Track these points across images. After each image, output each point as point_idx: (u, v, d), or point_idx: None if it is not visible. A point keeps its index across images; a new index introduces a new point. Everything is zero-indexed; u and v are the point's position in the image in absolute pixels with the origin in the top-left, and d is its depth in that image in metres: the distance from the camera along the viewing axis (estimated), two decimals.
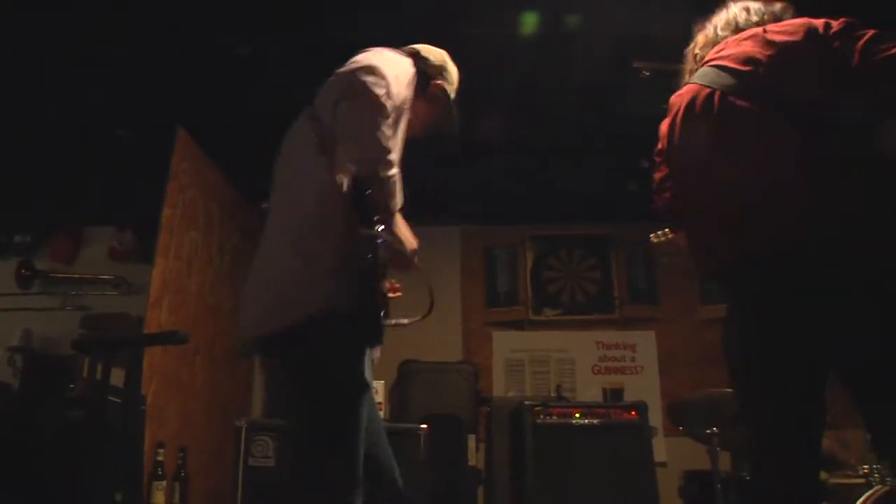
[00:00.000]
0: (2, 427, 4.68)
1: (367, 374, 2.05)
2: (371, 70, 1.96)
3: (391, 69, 2.02)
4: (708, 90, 1.91)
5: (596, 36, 3.93)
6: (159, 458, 4.00)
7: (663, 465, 4.95)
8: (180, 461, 4.24)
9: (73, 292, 6.23)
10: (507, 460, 4.55)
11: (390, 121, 1.95)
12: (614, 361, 5.96)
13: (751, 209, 1.76)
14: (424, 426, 4.09)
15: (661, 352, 5.97)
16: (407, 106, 2.12)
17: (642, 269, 6.27)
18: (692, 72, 2.07)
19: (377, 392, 4.50)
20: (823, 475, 3.65)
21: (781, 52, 1.82)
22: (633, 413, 4.19)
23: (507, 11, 3.83)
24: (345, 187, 1.98)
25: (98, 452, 3.64)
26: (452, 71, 2.49)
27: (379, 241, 1.92)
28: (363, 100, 1.93)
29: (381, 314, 1.97)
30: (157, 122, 4.63)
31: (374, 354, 2.18)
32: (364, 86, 1.93)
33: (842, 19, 1.79)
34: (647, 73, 4.19)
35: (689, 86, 2.01)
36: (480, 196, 5.85)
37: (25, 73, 4.25)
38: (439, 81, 2.42)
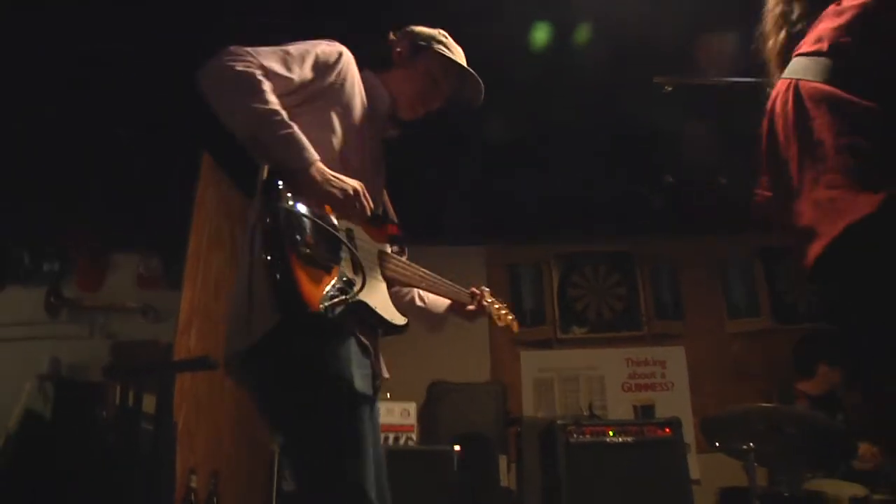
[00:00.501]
0: (35, 455, 4.71)
1: (363, 384, 1.77)
2: (224, 52, 1.79)
3: (271, 50, 1.86)
4: (788, 82, 1.79)
5: (620, 51, 3.92)
6: (192, 485, 4.00)
7: (697, 482, 4.88)
8: (212, 487, 4.23)
9: (101, 320, 6.28)
10: (539, 480, 4.50)
11: (264, 86, 1.74)
12: (644, 378, 5.91)
13: None
14: (457, 448, 4.06)
15: (690, 367, 5.92)
16: (347, 87, 1.99)
17: (668, 285, 6.24)
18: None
19: (409, 414, 4.51)
20: (864, 490, 3.58)
21: (850, 24, 1.67)
22: (667, 430, 4.14)
23: (527, 28, 3.83)
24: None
25: (131, 479, 3.65)
26: (434, 33, 2.26)
27: (293, 208, 1.69)
28: (218, 78, 1.77)
29: (297, 284, 1.61)
30: (180, 146, 4.68)
31: (382, 371, 1.99)
32: (217, 65, 1.77)
33: None
34: (670, 89, 4.17)
35: (777, 84, 1.88)
36: (503, 215, 5.85)
37: (54, 96, 4.31)
38: (402, 40, 2.23)
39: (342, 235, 1.78)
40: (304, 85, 1.90)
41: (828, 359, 4.30)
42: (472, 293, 2.39)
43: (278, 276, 1.60)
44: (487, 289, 2.46)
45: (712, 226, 5.93)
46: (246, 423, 4.93)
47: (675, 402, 5.64)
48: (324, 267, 1.70)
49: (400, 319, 1.93)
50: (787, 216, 1.81)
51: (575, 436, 4.11)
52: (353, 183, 1.83)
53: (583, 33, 3.83)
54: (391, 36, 2.26)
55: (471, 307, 2.38)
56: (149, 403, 3.61)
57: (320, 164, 1.77)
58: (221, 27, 3.77)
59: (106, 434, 4.13)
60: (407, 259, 2.15)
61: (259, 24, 3.68)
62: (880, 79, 1.60)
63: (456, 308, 2.39)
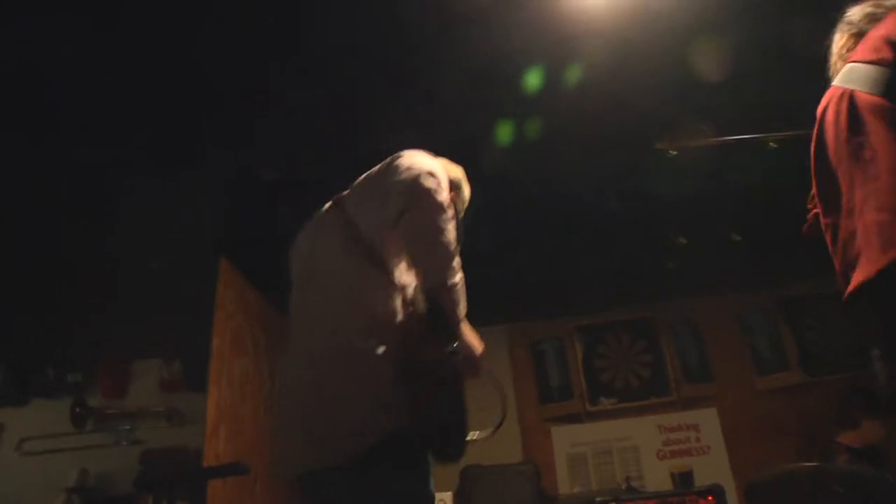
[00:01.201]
0: None
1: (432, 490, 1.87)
2: (432, 174, 1.88)
3: (441, 173, 1.95)
4: (841, 90, 1.73)
5: (618, 119, 3.98)
6: None
7: None
8: None
9: (127, 427, 6.26)
10: None
11: (452, 226, 1.86)
12: (679, 444, 5.79)
13: None
14: None
15: (724, 428, 5.81)
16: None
17: (692, 347, 6.18)
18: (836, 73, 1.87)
19: None
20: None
21: None
22: (710, 498, 4.05)
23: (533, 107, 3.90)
24: (403, 299, 1.90)
25: None
26: (466, 189, 2.38)
27: (452, 352, 1.83)
28: (428, 206, 1.84)
29: (464, 431, 1.83)
30: (195, 252, 4.76)
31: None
32: (428, 193, 1.84)
33: None
34: (674, 153, 4.22)
35: (829, 90, 1.83)
36: (521, 292, 5.85)
37: (64, 207, 4.40)
38: (453, 194, 2.26)
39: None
40: None
41: (872, 410, 4.21)
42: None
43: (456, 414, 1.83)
44: None
45: (732, 282, 5.92)
46: None
47: (714, 466, 5.52)
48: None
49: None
50: (834, 231, 1.73)
51: None
52: (481, 345, 2.01)
53: (583, 101, 3.90)
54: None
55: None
56: None
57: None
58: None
59: None
60: None
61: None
62: None
63: None
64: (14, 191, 4.20)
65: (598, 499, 4.12)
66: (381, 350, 1.80)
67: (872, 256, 1.54)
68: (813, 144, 1.82)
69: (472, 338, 1.97)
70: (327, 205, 2.20)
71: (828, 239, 1.80)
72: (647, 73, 3.67)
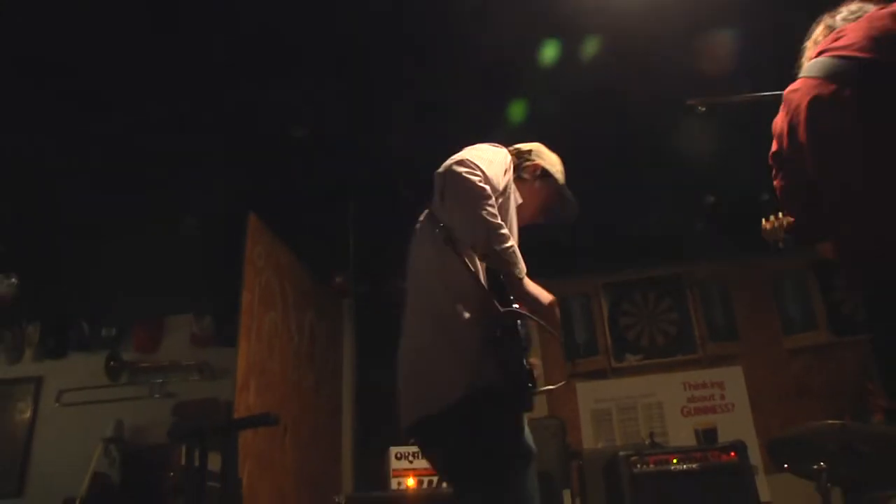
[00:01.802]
0: None
1: (529, 439, 2.06)
2: (461, 162, 2.12)
3: (484, 155, 2.20)
4: (814, 81, 1.83)
5: (652, 75, 3.94)
6: None
7: None
8: None
9: (160, 380, 6.41)
10: None
11: (492, 201, 2.07)
12: (703, 401, 5.81)
13: None
14: None
15: (750, 386, 5.81)
16: (511, 189, 2.28)
17: (719, 306, 6.15)
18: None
19: None
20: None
21: (878, 40, 1.75)
22: (732, 454, 4.05)
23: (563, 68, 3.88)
24: (474, 269, 2.12)
25: None
26: (549, 154, 2.59)
27: (517, 312, 2.01)
28: (460, 188, 2.09)
29: (531, 383, 1.98)
30: (226, 208, 4.82)
31: None
32: (458, 176, 2.09)
33: None
34: (703, 109, 4.16)
35: (805, 80, 1.92)
36: (548, 249, 5.85)
37: (99, 167, 4.47)
38: (536, 161, 2.53)
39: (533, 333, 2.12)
40: (503, 191, 2.20)
41: None
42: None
43: (511, 361, 1.97)
44: None
45: (762, 242, 5.85)
46: (308, 478, 4.98)
47: (738, 424, 5.53)
48: (523, 356, 2.01)
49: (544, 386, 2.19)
50: (812, 213, 1.90)
51: (639, 466, 4.05)
52: (550, 296, 2.14)
53: (608, 56, 3.86)
54: (523, 151, 2.56)
55: None
56: (213, 462, 3.66)
57: (530, 286, 2.09)
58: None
59: (173, 494, 4.21)
60: None
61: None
62: None
63: None
64: (50, 152, 4.28)
65: (621, 453, 4.15)
66: (466, 317, 2.05)
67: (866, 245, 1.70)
68: (786, 128, 1.98)
69: (539, 293, 2.13)
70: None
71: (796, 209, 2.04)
72: (679, 27, 3.63)
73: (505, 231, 2.05)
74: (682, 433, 5.64)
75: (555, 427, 5.31)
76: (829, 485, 3.41)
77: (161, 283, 5.96)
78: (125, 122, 4.05)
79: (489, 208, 2.04)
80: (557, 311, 2.17)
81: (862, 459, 3.32)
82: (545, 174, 2.54)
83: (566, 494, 4.92)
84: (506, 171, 2.25)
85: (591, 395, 5.94)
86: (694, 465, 4.04)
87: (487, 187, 2.08)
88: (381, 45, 3.67)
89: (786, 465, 3.74)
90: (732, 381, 5.85)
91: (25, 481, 6.18)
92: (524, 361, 1.99)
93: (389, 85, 3.95)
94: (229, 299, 4.68)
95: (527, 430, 2.09)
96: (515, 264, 2.06)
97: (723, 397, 5.81)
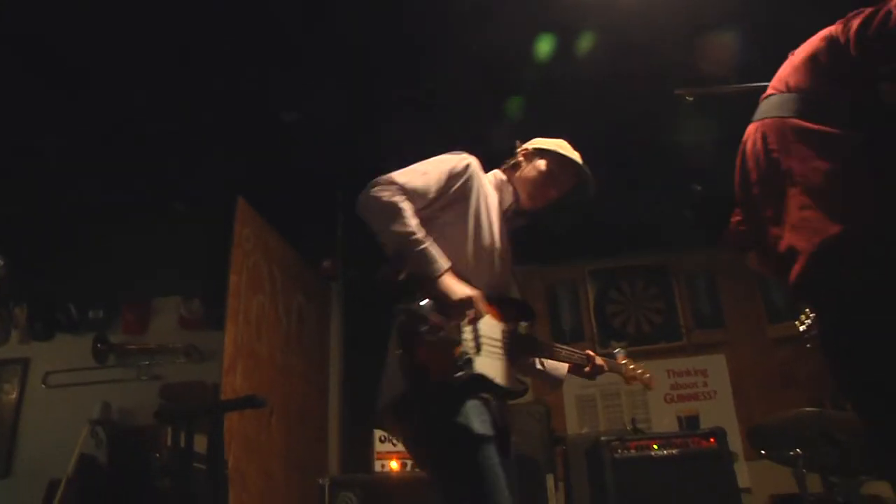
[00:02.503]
0: (92, 498, 4.84)
1: (483, 427, 2.10)
2: (374, 182, 2.28)
3: (417, 167, 2.36)
4: (757, 123, 1.96)
5: (639, 66, 3.96)
6: None
7: (748, 490, 4.83)
8: None
9: (147, 362, 6.42)
10: (587, 498, 4.49)
11: (404, 211, 2.20)
12: (686, 388, 5.87)
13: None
14: None
15: (732, 375, 5.88)
16: (471, 190, 2.38)
17: (705, 294, 6.21)
18: None
19: None
20: None
21: (803, 65, 1.86)
22: (712, 440, 4.11)
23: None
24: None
25: None
26: (549, 140, 2.66)
27: (420, 308, 2.14)
28: (369, 209, 2.25)
29: (425, 379, 2.11)
30: (214, 191, 4.83)
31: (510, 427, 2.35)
32: (367, 197, 2.25)
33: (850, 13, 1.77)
34: (691, 99, 4.18)
35: (749, 126, 2.05)
36: (537, 236, 5.87)
37: (87, 150, 4.47)
38: (528, 147, 2.63)
39: (465, 325, 2.19)
40: (441, 195, 2.32)
41: None
42: (587, 356, 2.80)
43: (407, 360, 2.12)
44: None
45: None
46: (295, 460, 5.01)
47: (720, 411, 5.60)
48: (444, 350, 2.12)
49: (517, 387, 2.35)
50: (764, 244, 1.96)
51: (620, 451, 4.10)
52: (470, 292, 2.18)
53: (596, 46, 3.89)
54: (518, 144, 2.68)
55: (587, 369, 2.81)
56: (199, 444, 3.70)
57: (447, 276, 2.17)
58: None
59: (160, 475, 4.23)
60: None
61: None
62: (833, 107, 1.76)
63: (573, 370, 2.83)
64: (39, 135, 4.28)
65: (603, 438, 4.20)
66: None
67: (803, 246, 1.74)
68: (737, 175, 2.07)
69: (450, 290, 2.19)
70: None
71: (755, 249, 2.09)
72: (668, 18, 3.66)
73: (416, 236, 2.18)
74: (665, 420, 5.71)
75: (539, 412, 5.36)
76: (804, 471, 3.49)
77: (149, 266, 5.96)
78: (114, 104, 4.05)
79: (399, 219, 2.19)
80: (473, 304, 2.19)
81: (838, 446, 3.39)
82: (539, 151, 2.61)
83: (550, 479, 4.97)
84: (454, 176, 2.36)
85: (575, 382, 5.91)
86: (674, 451, 4.09)
87: (399, 199, 2.22)
88: (376, 33, 3.68)
89: (763, 452, 3.82)
90: (715, 368, 5.91)
91: (12, 462, 6.19)
92: (416, 355, 2.11)
93: (384, 72, 3.96)
94: (217, 282, 4.69)
95: (489, 409, 2.16)
96: (429, 264, 2.17)
97: (706, 385, 5.87)
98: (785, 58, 2.00)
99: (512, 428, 2.39)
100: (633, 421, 4.98)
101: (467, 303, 2.18)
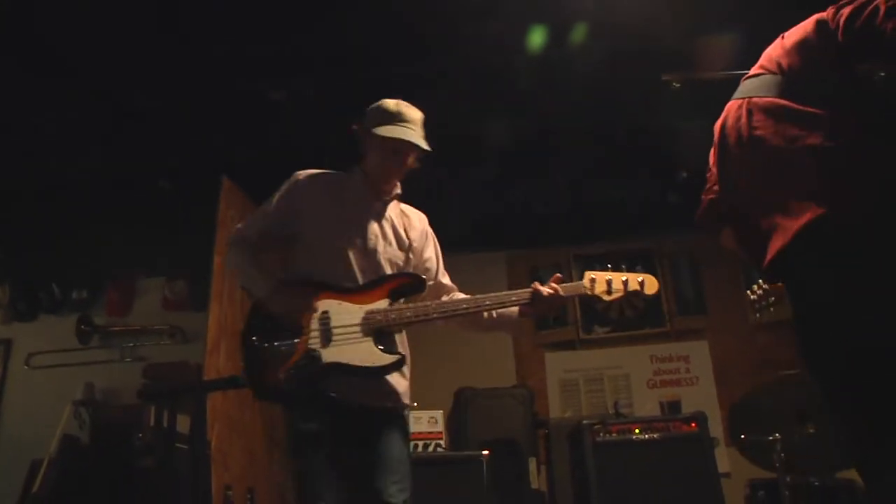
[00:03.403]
0: (75, 477, 4.83)
1: (313, 427, 2.34)
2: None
3: (250, 216, 2.74)
4: (739, 101, 1.97)
5: (628, 51, 3.96)
6: (230, 502, 4.07)
7: (727, 475, 4.87)
8: (249, 502, 4.31)
9: (131, 344, 6.39)
10: (569, 481, 4.53)
11: (233, 248, 2.64)
12: (669, 374, 5.92)
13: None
14: (485, 452, 4.10)
15: (715, 361, 5.92)
16: (301, 201, 2.59)
17: (689, 280, 6.25)
18: None
19: (436, 422, 4.57)
20: None
21: (795, 48, 1.87)
22: (693, 425, 4.15)
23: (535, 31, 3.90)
24: None
25: (168, 499, 3.73)
26: (382, 111, 2.58)
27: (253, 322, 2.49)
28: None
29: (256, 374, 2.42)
30: (198, 171, 4.79)
31: (382, 400, 2.47)
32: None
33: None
34: (678, 85, 4.18)
35: (728, 104, 2.06)
36: (522, 219, 5.89)
37: (69, 129, 4.42)
38: (362, 132, 2.62)
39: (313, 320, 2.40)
40: (279, 218, 2.59)
41: None
42: (531, 291, 2.63)
43: (245, 367, 2.43)
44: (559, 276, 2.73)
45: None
46: (278, 439, 5.02)
47: (702, 397, 5.64)
48: (282, 354, 2.37)
49: (382, 361, 2.38)
50: (741, 222, 2.00)
51: (602, 435, 4.14)
52: (293, 302, 2.42)
53: (583, 32, 3.88)
54: (354, 127, 2.66)
55: (533, 305, 2.63)
56: (182, 424, 3.70)
57: (270, 297, 2.43)
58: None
59: (142, 455, 4.23)
60: (432, 299, 2.60)
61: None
62: (823, 90, 1.78)
63: (526, 312, 2.69)
64: (22, 114, 4.22)
65: (585, 422, 4.23)
66: None
67: (783, 226, 1.76)
68: (714, 151, 2.11)
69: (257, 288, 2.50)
70: None
71: (732, 225, 2.10)
72: (657, 4, 3.65)
73: (237, 268, 2.61)
74: (647, 405, 5.74)
75: (522, 396, 5.40)
76: (783, 455, 3.53)
77: (133, 247, 5.92)
78: (96, 81, 4.00)
79: (230, 257, 2.64)
80: (276, 302, 2.44)
81: (815, 430, 3.44)
82: (367, 136, 2.58)
83: (532, 462, 5.02)
84: (280, 198, 2.61)
85: (559, 366, 6.03)
86: (655, 435, 4.13)
87: (234, 239, 2.64)
88: (366, 13, 3.65)
89: (742, 436, 3.86)
90: (698, 354, 5.95)
91: None
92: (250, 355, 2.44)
93: (374, 52, 3.94)
94: (202, 263, 4.68)
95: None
96: (250, 289, 2.53)
97: (688, 370, 5.92)
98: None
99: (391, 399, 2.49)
100: (616, 405, 5.02)
101: (294, 314, 2.42)
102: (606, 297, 2.75)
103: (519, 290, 2.64)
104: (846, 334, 1.68)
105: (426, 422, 4.82)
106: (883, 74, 1.74)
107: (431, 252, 2.77)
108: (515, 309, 2.66)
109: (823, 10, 1.90)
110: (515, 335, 3.10)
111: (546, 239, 6.21)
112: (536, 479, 5.01)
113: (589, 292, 2.73)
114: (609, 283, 2.75)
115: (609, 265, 2.78)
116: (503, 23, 3.75)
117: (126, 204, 5.25)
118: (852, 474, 3.69)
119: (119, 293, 6.68)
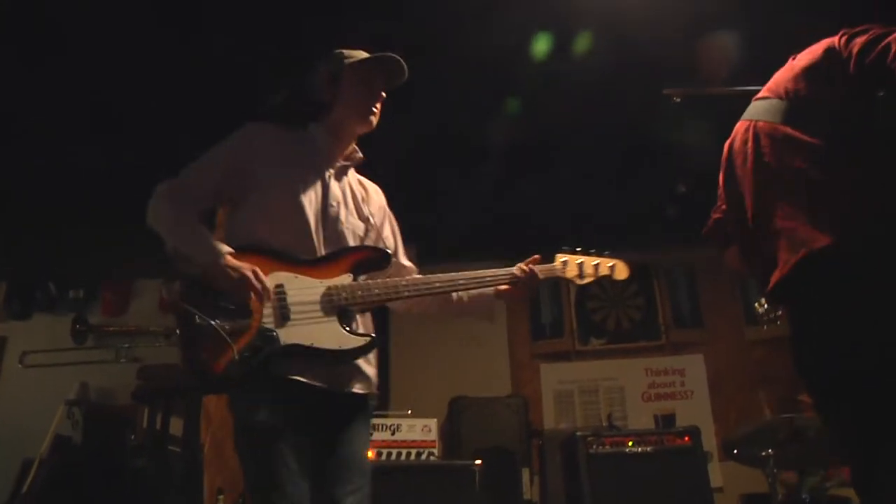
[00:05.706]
0: (66, 477, 4.81)
1: (272, 417, 1.99)
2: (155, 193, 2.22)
3: (191, 166, 2.24)
4: (746, 123, 1.99)
5: (629, 64, 3.97)
6: None
7: (720, 490, 4.88)
8: None
9: (126, 345, 6.37)
10: (562, 492, 4.52)
11: (174, 196, 2.19)
12: (664, 387, 5.92)
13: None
14: (478, 462, 4.09)
15: (710, 375, 5.92)
16: (247, 151, 2.22)
17: (685, 294, 6.25)
18: None
19: (430, 430, 4.55)
20: None
21: (803, 74, 1.88)
22: (686, 438, 4.14)
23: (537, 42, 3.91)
24: None
25: (160, 501, 3.72)
26: (337, 54, 2.36)
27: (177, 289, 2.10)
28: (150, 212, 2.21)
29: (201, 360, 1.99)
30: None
31: (352, 386, 2.15)
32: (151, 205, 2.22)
33: (857, 28, 1.80)
34: (678, 100, 4.19)
35: (738, 124, 2.07)
36: (519, 229, 5.89)
37: (67, 127, 4.42)
38: (324, 83, 2.35)
39: (268, 295, 2.04)
40: (229, 172, 2.20)
41: None
42: (510, 273, 2.44)
43: (183, 353, 2.00)
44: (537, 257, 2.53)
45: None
46: None
47: (696, 411, 5.65)
48: (230, 335, 1.96)
49: (351, 343, 2.09)
50: (747, 244, 2.01)
51: (595, 447, 4.13)
52: (245, 272, 2.01)
53: (587, 44, 3.90)
54: (316, 83, 2.37)
55: (509, 287, 2.43)
56: (175, 426, 3.70)
57: (222, 260, 2.01)
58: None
59: (135, 457, 4.22)
60: (393, 276, 2.29)
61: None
62: (826, 119, 1.80)
63: (502, 293, 2.45)
64: (16, 109, 4.22)
65: (578, 433, 4.22)
66: None
67: (784, 258, 1.78)
68: (722, 171, 2.11)
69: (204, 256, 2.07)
70: None
71: (737, 245, 2.12)
72: (659, 17, 3.67)
73: (173, 224, 2.16)
74: (642, 417, 5.75)
75: (517, 405, 5.40)
76: (776, 470, 3.53)
77: (131, 247, 5.90)
78: (92, 76, 4.00)
79: (160, 208, 2.19)
80: (255, 284, 2.03)
81: (808, 445, 3.44)
82: (335, 76, 2.33)
83: (525, 472, 5.00)
84: (230, 148, 2.24)
85: (554, 376, 6.03)
86: (648, 448, 4.12)
87: (169, 189, 2.20)
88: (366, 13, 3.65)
89: (735, 451, 3.86)
90: (693, 368, 5.97)
91: None
92: (187, 338, 2.00)
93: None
94: None
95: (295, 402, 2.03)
96: (190, 253, 2.10)
97: (683, 384, 5.92)
98: (782, 60, 2.02)
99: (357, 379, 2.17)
100: (610, 417, 5.02)
101: (247, 282, 2.02)
102: (578, 282, 2.65)
103: (497, 269, 2.42)
104: (840, 359, 1.72)
105: (420, 430, 4.79)
106: (882, 94, 1.76)
107: (389, 231, 2.45)
108: (491, 290, 2.44)
109: (824, 22, 1.94)
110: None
111: (544, 250, 6.20)
112: (529, 489, 4.99)
113: (561, 275, 2.61)
114: (580, 266, 2.65)
115: (578, 248, 2.67)
116: (507, 31, 3.76)
117: (125, 204, 5.23)
118: (846, 491, 3.71)
119: (115, 293, 6.68)
